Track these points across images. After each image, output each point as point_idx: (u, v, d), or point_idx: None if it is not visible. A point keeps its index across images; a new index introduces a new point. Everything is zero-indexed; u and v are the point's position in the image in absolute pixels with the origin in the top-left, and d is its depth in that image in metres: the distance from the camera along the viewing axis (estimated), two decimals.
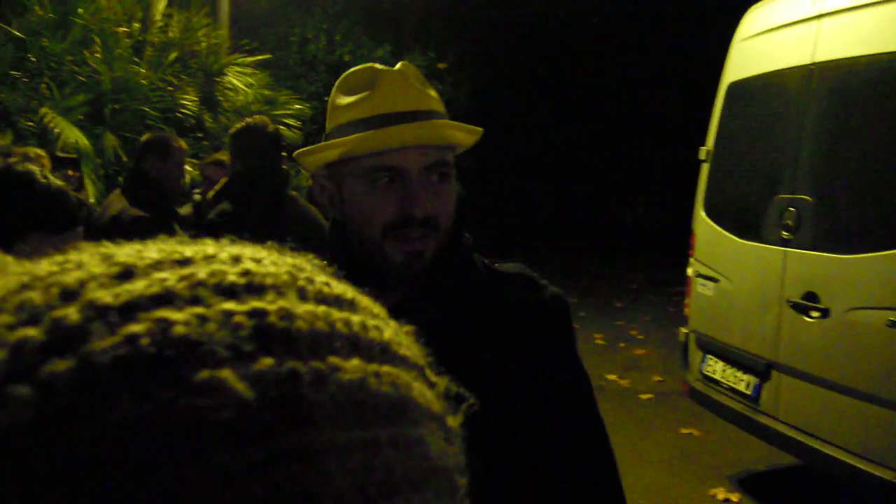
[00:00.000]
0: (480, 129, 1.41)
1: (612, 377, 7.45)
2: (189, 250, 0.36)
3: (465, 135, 1.36)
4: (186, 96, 8.56)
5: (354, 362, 0.34)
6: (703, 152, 5.30)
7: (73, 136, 7.22)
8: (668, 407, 6.38)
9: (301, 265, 0.38)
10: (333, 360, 0.33)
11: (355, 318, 0.36)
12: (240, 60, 9.51)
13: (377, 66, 1.37)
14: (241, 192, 3.46)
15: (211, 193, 3.61)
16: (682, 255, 5.45)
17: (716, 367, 4.83)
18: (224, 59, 9.29)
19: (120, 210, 3.76)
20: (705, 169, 5.28)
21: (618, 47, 17.22)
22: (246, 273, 0.35)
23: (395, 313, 1.38)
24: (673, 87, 16.85)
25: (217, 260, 0.35)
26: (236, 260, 0.36)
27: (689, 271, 5.29)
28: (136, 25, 8.87)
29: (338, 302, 0.37)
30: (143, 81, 8.17)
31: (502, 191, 16.34)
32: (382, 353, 0.36)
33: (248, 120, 3.65)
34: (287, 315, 0.34)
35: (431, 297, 1.36)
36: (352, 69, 1.41)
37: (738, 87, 5.03)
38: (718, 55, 5.38)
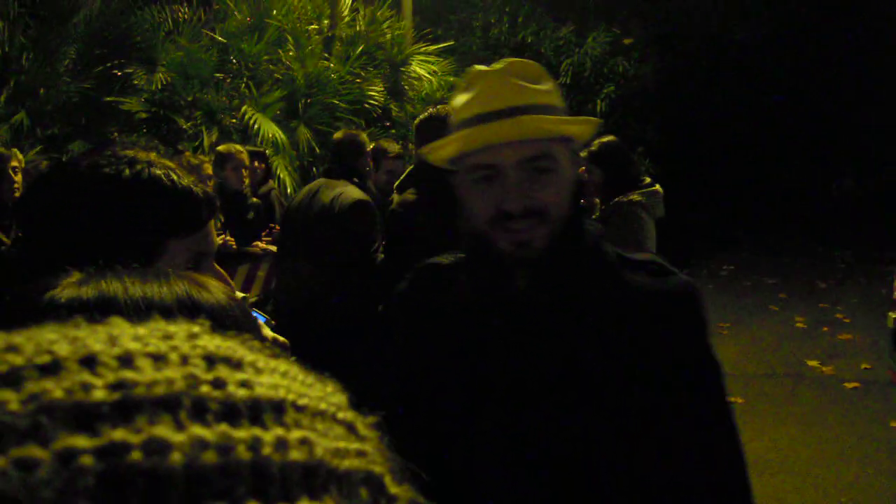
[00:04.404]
0: (591, 119, 1.41)
1: (813, 363, 6.98)
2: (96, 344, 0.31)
3: (552, 125, 1.35)
4: (373, 88, 8.85)
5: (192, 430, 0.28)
6: None
7: (271, 130, 7.67)
8: (876, 398, 5.90)
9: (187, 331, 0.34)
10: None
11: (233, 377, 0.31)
12: (423, 49, 9.70)
13: (481, 67, 1.42)
14: (425, 181, 3.51)
15: (396, 183, 3.73)
16: None
17: None
18: (408, 49, 9.51)
19: (338, 193, 3.99)
20: None
21: (820, 9, 16.02)
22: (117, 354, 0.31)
23: (520, 301, 1.31)
24: (882, 51, 15.47)
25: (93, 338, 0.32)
26: (112, 341, 0.32)
27: None
28: (325, 22, 9.28)
29: (210, 360, 0.32)
30: (333, 75, 8.53)
31: (696, 167, 15.70)
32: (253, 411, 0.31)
33: (432, 109, 3.71)
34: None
35: (554, 284, 1.37)
36: (469, 69, 1.46)
37: None
38: None
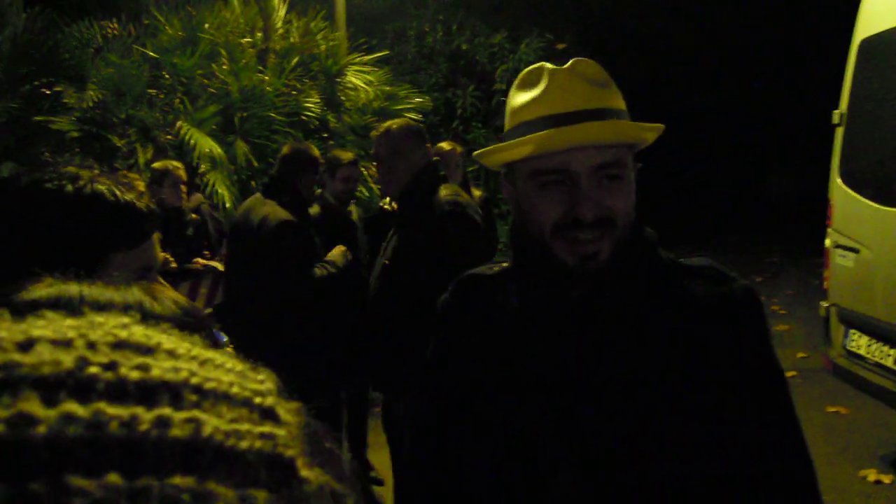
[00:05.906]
0: (659, 125, 1.34)
1: None
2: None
3: (638, 131, 1.30)
4: (309, 99, 8.78)
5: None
6: (836, 116, 5.00)
7: (208, 145, 7.56)
8: (814, 384, 6.08)
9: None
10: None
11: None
12: (358, 59, 9.66)
13: (548, 65, 1.33)
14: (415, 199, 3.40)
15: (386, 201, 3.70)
16: (826, 224, 5.16)
17: (860, 342, 4.56)
18: (343, 59, 9.46)
19: (266, 213, 3.97)
20: (840, 133, 4.98)
21: (742, 10, 16.48)
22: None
23: (577, 310, 1.26)
24: (804, 47, 15.97)
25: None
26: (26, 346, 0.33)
27: (828, 242, 5.02)
28: (259, 35, 9.19)
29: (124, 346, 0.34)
30: (269, 88, 8.45)
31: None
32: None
33: (400, 121, 3.58)
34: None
35: (614, 293, 1.31)
36: (527, 68, 1.37)
37: (871, 43, 4.71)
38: (848, 9, 5.07)
